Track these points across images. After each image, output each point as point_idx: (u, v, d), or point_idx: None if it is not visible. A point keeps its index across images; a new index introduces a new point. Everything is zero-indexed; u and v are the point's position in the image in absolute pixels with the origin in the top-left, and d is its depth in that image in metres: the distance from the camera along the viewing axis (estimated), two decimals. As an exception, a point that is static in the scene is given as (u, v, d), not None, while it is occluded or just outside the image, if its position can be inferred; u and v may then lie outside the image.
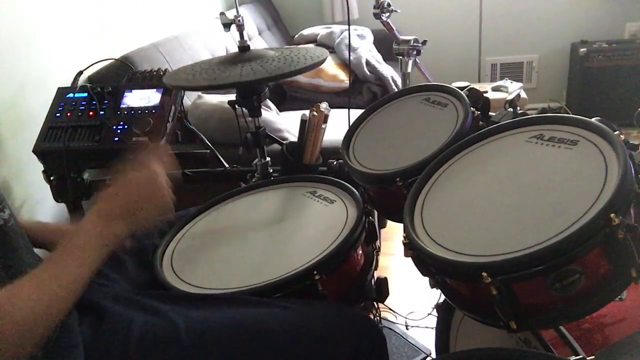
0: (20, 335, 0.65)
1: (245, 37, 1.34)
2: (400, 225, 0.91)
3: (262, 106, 1.45)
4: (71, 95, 1.57)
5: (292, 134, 1.95)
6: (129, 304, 0.89)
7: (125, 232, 0.82)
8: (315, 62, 1.22)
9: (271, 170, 1.45)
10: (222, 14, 1.34)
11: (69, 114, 1.52)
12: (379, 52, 3.03)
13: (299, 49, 1.34)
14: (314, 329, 0.85)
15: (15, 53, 1.65)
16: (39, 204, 1.71)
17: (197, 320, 0.85)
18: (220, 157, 1.69)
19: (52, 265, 0.74)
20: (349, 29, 1.80)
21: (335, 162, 1.34)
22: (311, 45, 3.02)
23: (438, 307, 1.10)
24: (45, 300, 0.69)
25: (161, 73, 1.63)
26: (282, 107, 2.61)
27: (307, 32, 3.24)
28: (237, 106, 1.36)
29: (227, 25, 1.35)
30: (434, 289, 0.87)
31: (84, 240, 0.78)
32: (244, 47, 1.31)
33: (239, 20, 1.33)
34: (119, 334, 0.81)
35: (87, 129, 1.49)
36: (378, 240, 1.12)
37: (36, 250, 0.90)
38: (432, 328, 1.11)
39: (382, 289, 1.09)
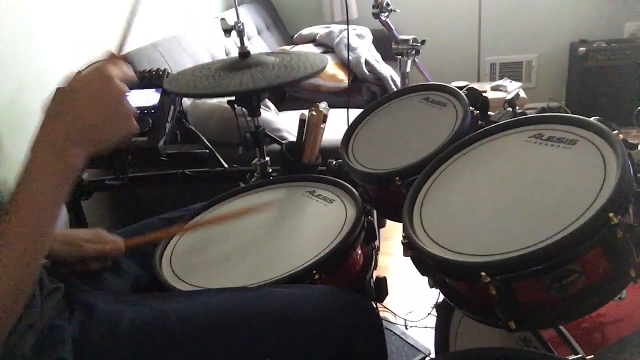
0: None
1: (246, 42, 1.34)
2: (400, 225, 0.91)
3: (262, 106, 1.45)
4: (71, 95, 1.56)
5: (291, 133, 1.95)
6: (119, 300, 0.89)
7: (81, 159, 0.68)
8: (316, 70, 1.22)
9: (271, 170, 1.45)
10: (222, 20, 1.35)
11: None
12: (378, 52, 3.03)
13: (299, 56, 1.34)
14: (308, 311, 0.85)
15: (15, 53, 1.65)
16: (39, 204, 1.71)
17: (187, 308, 0.84)
18: (219, 157, 1.69)
19: (11, 228, 0.65)
20: (347, 29, 1.80)
21: (334, 162, 1.34)
22: (311, 46, 3.03)
23: (437, 307, 1.10)
24: (11, 273, 0.63)
25: (160, 73, 1.63)
26: (281, 107, 2.61)
27: (306, 32, 3.24)
28: (236, 106, 1.36)
29: (227, 31, 1.35)
30: (434, 288, 0.87)
31: (36, 186, 0.66)
32: (244, 54, 1.31)
33: (240, 27, 1.33)
34: (109, 328, 0.81)
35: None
36: (377, 240, 1.12)
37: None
38: (432, 328, 1.11)
39: (381, 289, 1.09)
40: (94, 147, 0.69)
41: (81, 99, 0.69)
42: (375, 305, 1.36)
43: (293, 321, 0.84)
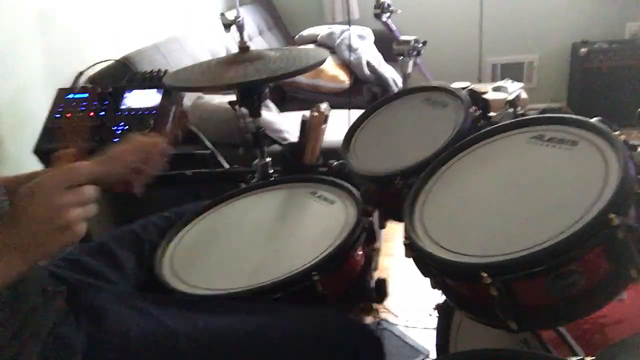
0: None
1: (246, 38, 1.34)
2: (401, 226, 0.91)
3: (263, 107, 1.45)
4: (71, 95, 1.57)
5: (292, 134, 1.95)
6: (128, 307, 0.89)
7: (20, 268, 0.68)
8: (317, 61, 1.22)
9: (271, 171, 1.45)
10: (222, 14, 1.35)
11: (69, 115, 1.52)
12: (379, 52, 3.03)
13: (299, 50, 1.34)
14: (312, 337, 0.86)
15: (15, 53, 1.65)
16: (40, 205, 1.71)
17: (197, 328, 0.85)
18: (220, 157, 1.69)
19: None
20: (349, 30, 1.80)
21: (335, 163, 1.34)
22: (311, 46, 3.03)
23: (438, 307, 1.10)
24: None
25: (161, 74, 1.63)
26: (282, 108, 2.61)
27: (307, 32, 3.24)
28: (237, 106, 1.36)
29: (227, 26, 1.35)
30: (435, 289, 0.87)
31: None
32: (244, 48, 1.31)
33: (239, 21, 1.33)
34: (118, 342, 0.81)
35: (88, 129, 1.49)
36: (378, 241, 1.12)
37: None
38: (432, 329, 1.11)
39: (381, 290, 1.09)
40: (34, 260, 0.69)
41: (31, 218, 0.68)
42: (376, 306, 1.37)
43: (298, 344, 0.84)
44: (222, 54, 2.68)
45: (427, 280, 0.86)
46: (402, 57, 1.70)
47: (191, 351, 0.81)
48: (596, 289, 0.72)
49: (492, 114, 1.13)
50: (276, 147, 1.49)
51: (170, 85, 1.27)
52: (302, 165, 1.37)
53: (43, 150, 1.48)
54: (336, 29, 3.09)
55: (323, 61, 1.25)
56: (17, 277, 0.67)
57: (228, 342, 0.83)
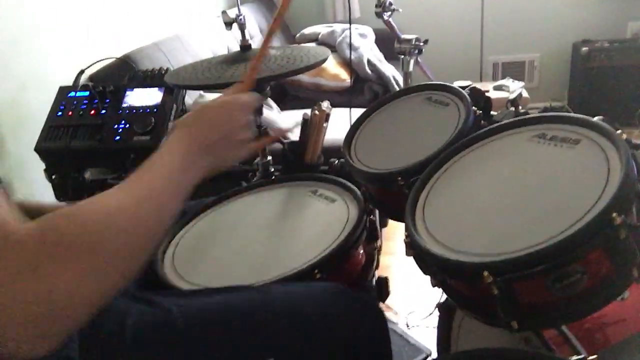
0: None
1: (247, 36, 1.34)
2: (402, 225, 0.91)
3: (264, 105, 1.45)
4: (73, 94, 1.57)
5: (293, 133, 1.95)
6: (123, 295, 0.89)
7: (204, 172, 0.75)
8: (318, 60, 1.22)
9: (272, 170, 1.45)
10: (224, 12, 1.35)
11: (70, 113, 1.52)
12: (380, 51, 3.03)
13: (300, 48, 1.34)
14: (312, 308, 0.85)
15: (16, 52, 1.65)
16: (41, 203, 1.72)
17: (192, 305, 0.85)
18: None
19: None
20: (350, 28, 1.80)
21: (336, 161, 1.34)
22: (313, 45, 3.03)
23: (439, 306, 1.10)
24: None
25: (162, 72, 1.63)
26: (283, 106, 2.61)
27: (308, 31, 3.24)
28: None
29: (228, 24, 1.35)
30: (435, 287, 0.87)
31: (161, 186, 0.69)
32: (245, 46, 1.31)
33: (241, 19, 1.33)
34: (115, 325, 0.80)
35: (89, 128, 1.49)
36: (379, 240, 1.12)
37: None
38: (434, 328, 1.11)
39: (383, 289, 1.09)
40: (213, 164, 0.78)
41: (212, 116, 0.78)
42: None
43: (297, 318, 0.84)
44: (224, 52, 2.68)
45: (428, 278, 0.86)
46: (403, 56, 1.70)
47: (186, 326, 0.80)
48: (598, 289, 0.72)
49: (493, 112, 1.13)
50: (277, 145, 1.49)
51: (172, 84, 1.27)
52: (303, 163, 1.37)
53: (44, 149, 1.48)
54: (337, 27, 3.09)
55: (324, 60, 1.26)
56: (197, 181, 0.73)
57: (224, 317, 0.82)
